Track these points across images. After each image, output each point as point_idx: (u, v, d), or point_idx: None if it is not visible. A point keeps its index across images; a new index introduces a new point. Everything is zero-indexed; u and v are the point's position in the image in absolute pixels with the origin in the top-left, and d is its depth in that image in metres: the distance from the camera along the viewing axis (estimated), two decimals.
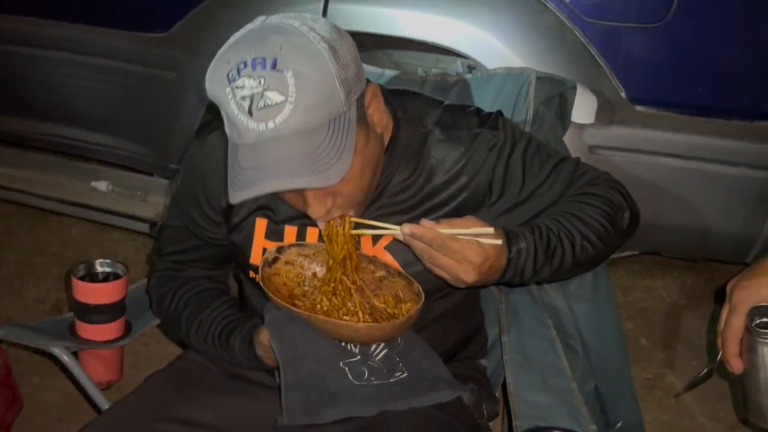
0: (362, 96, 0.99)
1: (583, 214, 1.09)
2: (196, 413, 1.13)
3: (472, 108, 1.17)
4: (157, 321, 1.44)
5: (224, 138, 1.01)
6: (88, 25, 2.15)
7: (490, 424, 1.27)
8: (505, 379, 1.25)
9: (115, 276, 1.39)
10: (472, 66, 1.74)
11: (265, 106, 0.90)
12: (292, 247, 1.13)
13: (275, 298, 1.04)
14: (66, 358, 1.29)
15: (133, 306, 1.42)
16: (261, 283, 1.07)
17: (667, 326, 2.36)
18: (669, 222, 1.82)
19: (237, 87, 0.91)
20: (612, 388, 1.40)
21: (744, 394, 0.93)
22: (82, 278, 1.36)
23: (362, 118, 0.99)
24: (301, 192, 0.98)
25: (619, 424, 1.40)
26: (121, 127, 2.26)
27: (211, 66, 0.95)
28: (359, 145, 0.97)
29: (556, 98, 1.48)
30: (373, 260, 1.12)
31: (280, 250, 1.12)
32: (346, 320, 1.06)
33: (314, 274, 1.14)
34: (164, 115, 2.13)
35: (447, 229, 0.97)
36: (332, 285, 1.08)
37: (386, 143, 1.09)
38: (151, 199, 2.34)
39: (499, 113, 1.16)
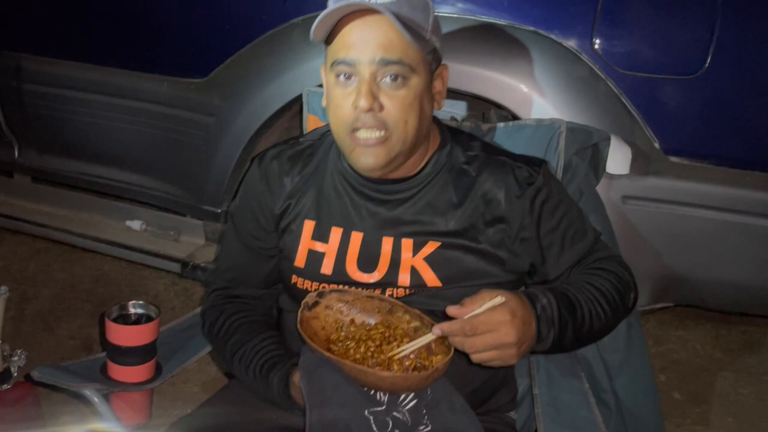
0: (437, 67, 1.18)
1: (596, 283, 1.17)
2: None
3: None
4: (188, 362, 1.46)
5: (278, 156, 1.26)
6: (131, 70, 2.22)
7: None
8: None
9: (148, 318, 1.40)
10: (505, 115, 1.75)
11: None
12: (332, 293, 1.17)
13: (309, 340, 1.07)
14: (97, 400, 1.30)
15: (164, 347, 1.43)
16: (298, 326, 1.10)
17: (701, 380, 2.29)
18: (703, 275, 1.79)
19: None
20: None
21: None
22: (115, 320, 1.37)
23: (429, 78, 1.16)
24: (358, 88, 1.10)
25: None
26: (158, 168, 2.30)
27: None
28: (419, 84, 1.12)
29: (590, 149, 1.48)
30: (409, 311, 1.13)
31: (320, 294, 1.16)
32: (377, 368, 1.07)
33: (352, 321, 1.16)
34: (200, 157, 2.17)
35: (468, 314, 1.02)
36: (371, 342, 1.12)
37: (430, 155, 1.23)
38: (183, 239, 2.38)
39: (545, 162, 1.25)
